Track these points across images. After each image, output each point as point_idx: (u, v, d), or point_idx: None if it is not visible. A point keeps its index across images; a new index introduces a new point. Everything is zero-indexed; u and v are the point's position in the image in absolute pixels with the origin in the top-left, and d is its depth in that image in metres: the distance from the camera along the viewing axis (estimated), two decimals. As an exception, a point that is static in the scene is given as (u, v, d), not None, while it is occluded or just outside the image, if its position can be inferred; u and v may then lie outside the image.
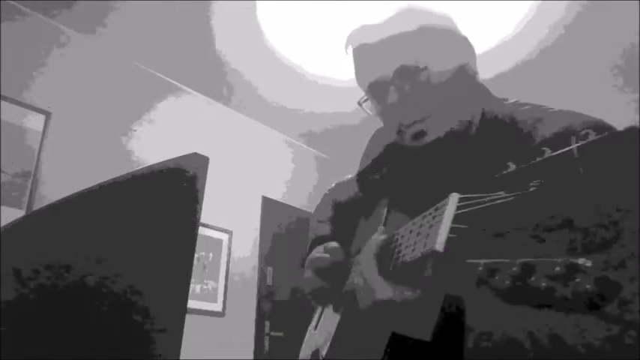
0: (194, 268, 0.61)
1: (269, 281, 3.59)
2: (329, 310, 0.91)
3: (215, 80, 3.35)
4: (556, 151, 0.40)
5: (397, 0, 0.76)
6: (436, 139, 0.71)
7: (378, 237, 0.68)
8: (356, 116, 2.99)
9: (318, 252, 0.92)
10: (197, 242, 0.56)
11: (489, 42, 2.90)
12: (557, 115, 0.66)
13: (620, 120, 0.51)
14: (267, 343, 3.42)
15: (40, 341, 0.48)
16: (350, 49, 0.79)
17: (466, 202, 0.49)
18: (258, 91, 3.45)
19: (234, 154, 3.53)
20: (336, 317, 0.85)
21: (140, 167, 0.57)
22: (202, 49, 3.03)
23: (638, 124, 0.36)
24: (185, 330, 0.52)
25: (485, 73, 0.80)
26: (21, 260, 0.50)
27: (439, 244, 0.49)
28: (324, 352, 0.83)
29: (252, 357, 3.26)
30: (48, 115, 2.67)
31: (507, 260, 0.41)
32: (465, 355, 0.50)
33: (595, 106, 1.07)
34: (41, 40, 2.76)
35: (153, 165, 0.55)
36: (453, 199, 0.51)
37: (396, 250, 0.61)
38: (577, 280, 0.35)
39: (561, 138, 0.58)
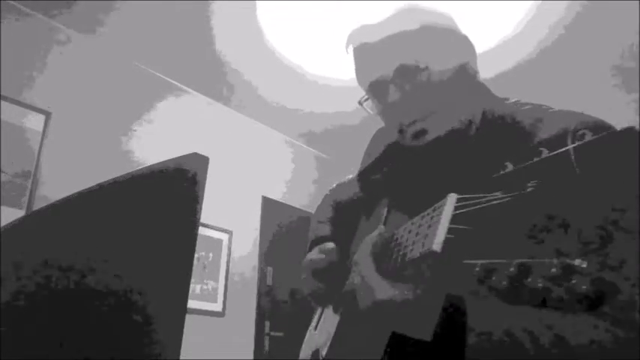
0: (194, 268, 0.61)
1: (269, 281, 3.59)
2: (329, 311, 0.91)
3: (215, 80, 3.35)
4: (553, 151, 0.41)
5: (397, 0, 0.77)
6: (437, 137, 0.71)
7: (373, 235, 0.68)
8: (356, 116, 3.01)
9: (314, 253, 0.92)
10: (197, 242, 0.56)
11: (490, 42, 2.90)
12: (557, 115, 0.66)
13: (620, 120, 0.51)
14: (267, 343, 3.42)
15: (40, 341, 0.48)
16: (350, 49, 0.79)
17: (464, 203, 0.49)
18: (258, 91, 3.45)
19: (234, 154, 3.53)
20: (336, 318, 0.85)
21: (140, 167, 0.57)
22: (202, 49, 3.03)
23: (637, 124, 0.36)
24: (185, 330, 0.52)
25: (485, 72, 0.80)
26: (21, 260, 0.50)
27: (437, 245, 0.49)
28: (324, 353, 0.83)
29: (252, 357, 3.26)
30: (48, 115, 2.67)
31: (504, 261, 0.41)
32: (465, 354, 0.50)
33: (595, 106, 1.07)
34: (41, 40, 2.76)
35: (153, 165, 0.55)
36: (451, 199, 0.51)
37: (396, 249, 0.62)
38: (573, 281, 0.36)
39: (559, 138, 0.59)
